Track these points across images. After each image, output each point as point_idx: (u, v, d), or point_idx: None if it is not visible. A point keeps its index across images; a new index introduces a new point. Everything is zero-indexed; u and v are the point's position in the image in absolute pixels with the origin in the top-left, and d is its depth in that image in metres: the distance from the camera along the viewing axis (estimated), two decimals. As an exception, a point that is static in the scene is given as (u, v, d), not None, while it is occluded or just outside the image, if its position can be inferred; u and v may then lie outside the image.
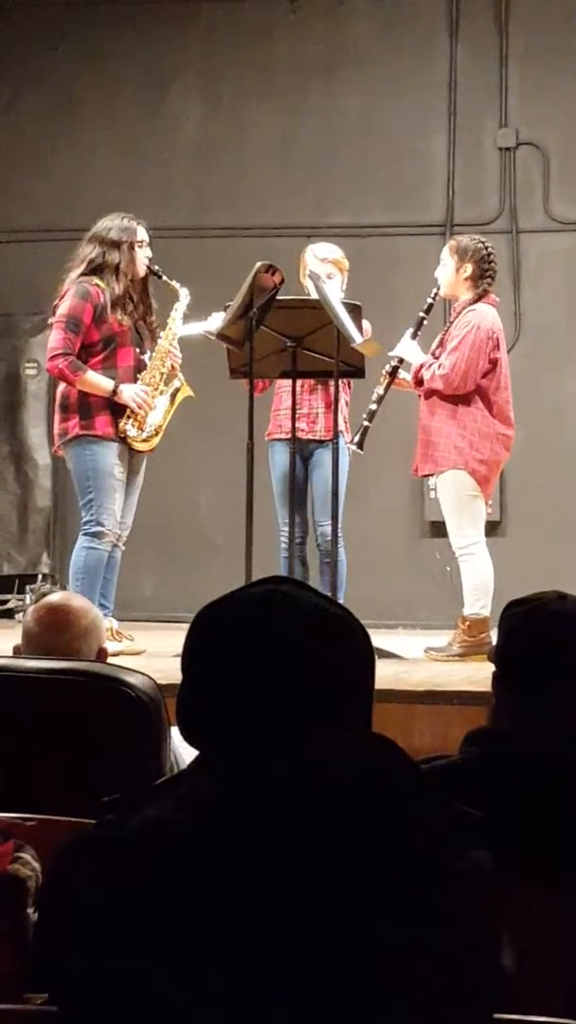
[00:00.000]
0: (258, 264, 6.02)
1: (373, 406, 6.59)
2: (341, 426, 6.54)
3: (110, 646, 5.10)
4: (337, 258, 6.83)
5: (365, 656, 1.82)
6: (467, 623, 6.53)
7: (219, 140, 9.37)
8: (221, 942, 1.62)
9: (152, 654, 6.48)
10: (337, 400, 6.41)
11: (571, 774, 2.26)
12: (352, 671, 1.80)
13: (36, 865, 2.18)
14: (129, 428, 6.49)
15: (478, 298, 6.57)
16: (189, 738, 1.79)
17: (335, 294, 6.33)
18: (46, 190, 9.39)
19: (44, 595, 3.40)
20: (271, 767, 1.69)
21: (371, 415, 6.57)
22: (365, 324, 6.39)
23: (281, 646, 1.74)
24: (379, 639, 4.50)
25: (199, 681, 1.78)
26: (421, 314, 6.71)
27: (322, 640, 1.77)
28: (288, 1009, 1.59)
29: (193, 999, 1.61)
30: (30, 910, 2.13)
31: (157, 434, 6.58)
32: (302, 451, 6.72)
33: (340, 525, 6.48)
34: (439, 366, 6.49)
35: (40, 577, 9.09)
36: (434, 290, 6.68)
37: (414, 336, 6.67)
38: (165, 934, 1.64)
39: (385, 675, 5.48)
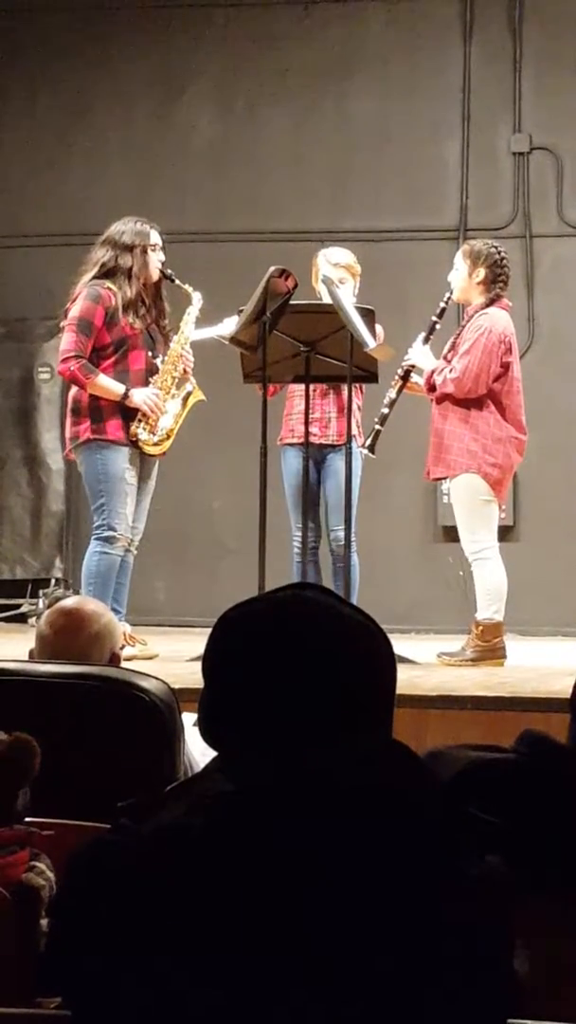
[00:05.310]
0: (271, 268, 6.02)
1: (385, 410, 6.58)
2: (354, 430, 6.53)
3: (123, 651, 5.11)
4: (349, 263, 6.82)
5: (388, 662, 1.83)
6: (480, 628, 6.52)
7: (233, 145, 9.38)
8: (236, 944, 1.62)
9: (165, 658, 6.49)
10: (350, 404, 6.40)
11: None
12: (376, 676, 1.80)
13: (50, 875, 2.18)
14: (141, 432, 6.48)
15: (490, 302, 6.56)
16: (211, 741, 1.79)
17: (348, 299, 6.33)
18: (61, 194, 9.41)
19: (57, 599, 3.39)
20: (293, 769, 1.69)
21: (383, 419, 6.57)
22: (378, 328, 6.38)
23: (310, 651, 1.75)
24: (392, 644, 4.50)
25: (224, 684, 1.78)
26: (433, 318, 6.71)
27: (349, 646, 1.78)
28: (302, 1010, 1.59)
29: (209, 1001, 1.61)
30: (43, 920, 2.13)
31: (169, 438, 6.58)
32: (314, 456, 6.70)
33: (353, 530, 6.47)
34: (450, 370, 6.48)
35: (53, 581, 9.10)
36: (447, 294, 6.67)
37: (426, 341, 6.66)
38: (181, 936, 1.64)
39: (398, 680, 5.47)
